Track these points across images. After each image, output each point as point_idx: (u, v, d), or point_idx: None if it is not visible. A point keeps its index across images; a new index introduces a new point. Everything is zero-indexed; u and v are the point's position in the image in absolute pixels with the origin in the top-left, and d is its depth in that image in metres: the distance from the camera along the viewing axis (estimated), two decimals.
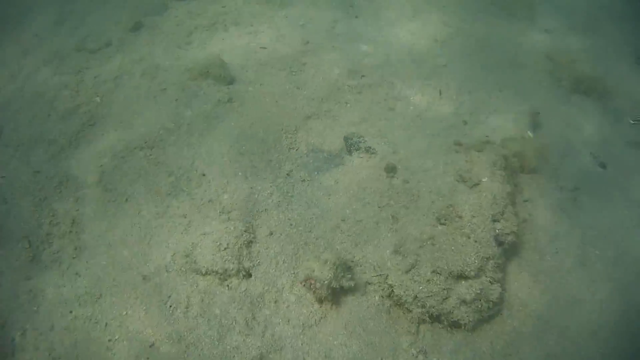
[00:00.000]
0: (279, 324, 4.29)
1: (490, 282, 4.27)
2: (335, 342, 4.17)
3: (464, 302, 4.16)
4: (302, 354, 4.16)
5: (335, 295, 4.25)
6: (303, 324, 4.29)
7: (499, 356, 4.24)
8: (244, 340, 4.22)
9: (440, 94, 6.29)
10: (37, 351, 4.25)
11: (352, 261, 4.58)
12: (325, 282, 4.10)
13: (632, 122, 6.24)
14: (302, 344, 4.18)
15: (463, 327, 4.23)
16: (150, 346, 4.22)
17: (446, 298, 4.16)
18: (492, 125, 5.89)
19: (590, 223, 5.24)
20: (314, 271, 4.18)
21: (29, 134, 5.98)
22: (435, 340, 4.24)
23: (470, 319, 4.18)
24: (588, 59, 7.29)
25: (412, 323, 4.24)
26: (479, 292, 4.16)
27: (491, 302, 4.26)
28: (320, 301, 4.26)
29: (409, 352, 4.12)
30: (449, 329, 4.27)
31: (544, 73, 6.94)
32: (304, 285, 4.25)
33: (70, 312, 4.45)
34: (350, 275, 4.21)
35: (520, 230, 4.81)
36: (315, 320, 4.30)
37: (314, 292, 4.20)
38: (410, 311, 4.22)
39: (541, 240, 5.00)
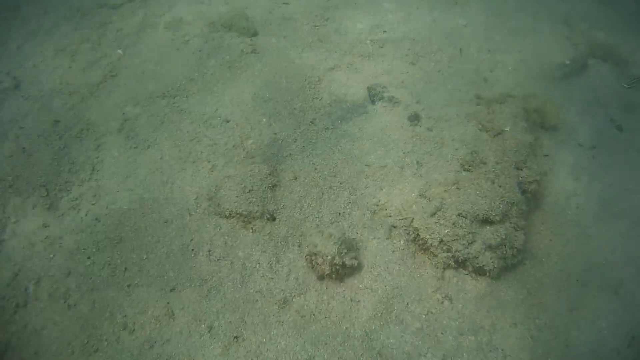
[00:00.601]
0: (303, 267, 4.10)
1: (514, 228, 4.08)
2: (360, 286, 4.00)
3: (489, 247, 3.97)
4: (326, 298, 3.97)
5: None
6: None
7: (523, 306, 4.06)
8: (267, 283, 4.04)
9: (460, 52, 6.03)
10: (52, 299, 4.06)
11: (377, 205, 4.35)
12: (328, 257, 3.81)
13: (626, 86, 5.95)
14: (327, 288, 3.99)
15: (488, 274, 4.04)
16: (171, 290, 4.01)
17: (471, 242, 3.95)
18: (512, 83, 5.63)
19: (608, 181, 5.04)
20: (316, 246, 3.90)
21: (49, 86, 5.68)
22: (460, 287, 4.05)
23: (495, 266, 4.00)
24: (604, 27, 6.97)
25: (437, 268, 4.04)
26: (503, 237, 3.97)
27: (515, 250, 4.07)
28: (322, 277, 3.94)
29: (434, 297, 3.95)
30: (473, 275, 4.07)
31: (562, 37, 6.62)
32: (307, 261, 4.00)
33: (88, 258, 4.21)
34: (354, 254, 3.89)
35: (542, 182, 4.60)
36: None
37: (315, 268, 3.93)
38: (436, 255, 4.03)
39: (561, 194, 4.81)
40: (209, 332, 3.83)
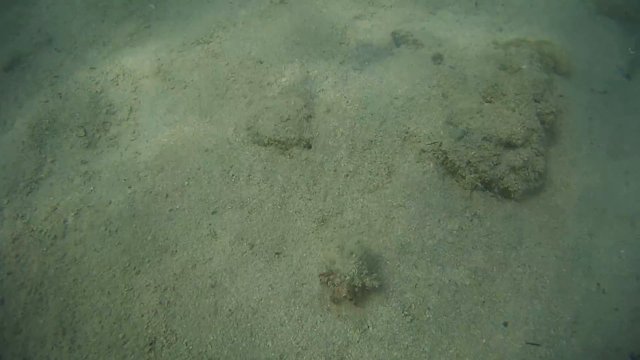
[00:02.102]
0: (339, 189, 4.13)
1: (535, 153, 4.14)
2: (394, 204, 4.03)
3: (513, 169, 4.04)
4: (362, 216, 3.99)
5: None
6: (362, 189, 4.14)
7: (546, 229, 4.12)
8: (305, 204, 4.07)
9: (476, 5, 6.01)
10: (93, 228, 4.03)
11: (407, 132, 4.31)
12: (347, 277, 3.33)
13: (632, 52, 5.97)
14: (362, 207, 4.03)
15: (512, 196, 4.10)
16: (212, 213, 4.05)
17: (497, 164, 4.03)
18: (525, 32, 5.54)
19: (620, 122, 5.09)
20: (334, 263, 3.47)
21: (82, 39, 5.67)
22: (487, 207, 4.10)
23: (519, 187, 4.06)
24: None
25: (465, 189, 4.09)
26: (526, 159, 4.04)
27: (537, 173, 4.14)
28: (337, 301, 3.50)
29: (463, 215, 4.00)
30: (499, 197, 4.13)
31: None
32: (322, 279, 3.53)
33: (129, 187, 4.23)
34: (375, 274, 3.40)
35: (558, 119, 4.61)
36: (374, 186, 4.15)
37: (332, 288, 3.45)
38: (464, 177, 4.08)
39: (577, 131, 4.83)
40: (250, 249, 3.87)
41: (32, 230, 4.19)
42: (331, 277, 3.44)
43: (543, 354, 3.60)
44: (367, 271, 3.38)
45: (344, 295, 3.40)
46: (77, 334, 3.76)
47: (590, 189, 4.46)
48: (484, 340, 3.70)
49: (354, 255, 3.35)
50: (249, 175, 4.18)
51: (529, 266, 3.91)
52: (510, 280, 3.86)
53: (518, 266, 3.89)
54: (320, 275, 3.52)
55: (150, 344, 3.65)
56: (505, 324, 3.77)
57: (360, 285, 3.35)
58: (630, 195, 4.52)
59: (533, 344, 3.79)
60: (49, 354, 3.69)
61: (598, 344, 3.70)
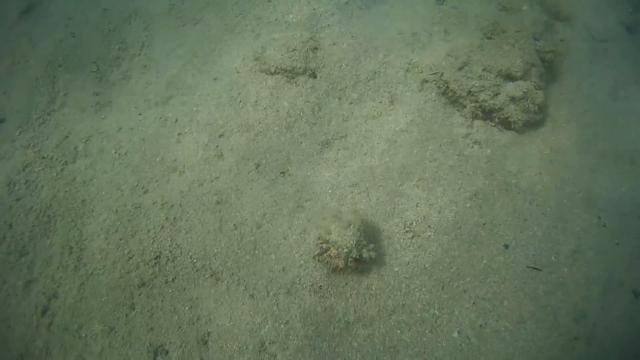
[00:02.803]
0: (344, 115, 4.08)
1: (535, 87, 4.08)
2: (397, 129, 3.97)
3: (512, 99, 3.97)
4: (365, 139, 3.96)
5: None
6: (366, 116, 4.10)
7: (547, 161, 4.03)
8: (310, 128, 4.03)
9: None
10: (102, 152, 4.07)
11: (409, 64, 4.26)
12: (345, 250, 3.13)
13: (630, 10, 5.87)
14: (365, 131, 3.98)
15: (512, 127, 4.04)
16: (220, 136, 4.02)
17: (497, 94, 3.97)
18: None
19: (620, 69, 4.96)
20: (330, 233, 3.24)
21: None
22: (488, 136, 4.02)
23: (519, 118, 3.98)
24: None
25: (466, 118, 4.03)
26: (525, 91, 3.98)
27: (537, 106, 4.05)
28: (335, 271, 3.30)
29: (464, 142, 3.94)
30: (500, 127, 4.06)
31: None
32: (318, 253, 3.29)
33: (139, 114, 4.24)
34: (373, 245, 3.25)
35: (558, 59, 4.49)
36: (377, 112, 4.11)
37: (327, 261, 3.26)
38: (465, 106, 4.03)
39: (577, 73, 4.71)
40: (256, 169, 3.84)
41: (43, 157, 4.17)
42: (327, 249, 3.22)
43: (544, 279, 3.50)
44: (364, 242, 3.23)
45: (341, 267, 3.19)
46: (83, 252, 3.72)
47: (591, 127, 4.36)
48: (484, 261, 3.62)
49: (351, 227, 3.19)
50: (256, 101, 4.13)
51: (530, 193, 3.82)
52: (511, 206, 3.75)
53: (518, 192, 3.80)
54: (318, 244, 3.28)
55: (156, 258, 3.60)
56: (506, 247, 3.66)
57: (357, 257, 3.16)
58: (630, 135, 4.42)
59: (534, 268, 3.68)
60: (54, 273, 3.65)
61: (600, 276, 3.59)
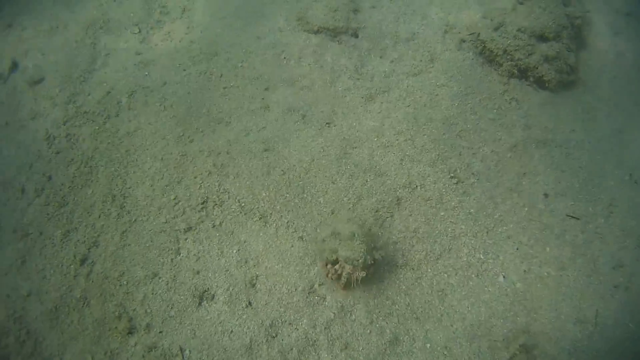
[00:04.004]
0: (385, 72, 3.92)
1: (567, 48, 3.93)
2: (437, 84, 3.82)
3: (546, 58, 3.83)
4: (408, 94, 3.83)
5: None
6: (407, 73, 3.96)
7: (579, 120, 3.87)
8: (354, 83, 3.88)
9: None
10: (147, 105, 3.93)
11: (447, 25, 4.14)
12: (360, 261, 2.84)
13: None
14: (407, 86, 3.81)
15: (547, 86, 3.88)
16: (265, 89, 3.89)
17: (531, 54, 3.84)
18: None
19: None
20: (336, 252, 2.93)
21: None
22: (524, 94, 3.86)
23: (553, 77, 3.82)
24: None
25: (503, 76, 3.89)
26: (558, 51, 3.85)
27: (569, 66, 3.90)
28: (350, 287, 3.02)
29: (502, 98, 3.78)
30: (534, 86, 3.91)
31: None
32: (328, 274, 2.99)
33: (184, 70, 4.09)
34: (380, 249, 2.99)
35: (585, 27, 4.39)
36: (418, 70, 3.98)
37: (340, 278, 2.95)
38: (501, 65, 3.88)
39: (603, 42, 4.45)
40: (302, 119, 3.69)
41: (85, 112, 3.99)
42: (342, 268, 2.92)
43: (582, 229, 3.34)
44: (374, 245, 2.99)
45: (363, 277, 2.88)
46: (126, 199, 3.52)
47: (619, 92, 4.18)
48: (526, 209, 3.42)
49: (356, 236, 2.91)
50: (300, 58, 4.01)
51: (565, 148, 3.65)
52: (549, 158, 3.59)
53: (555, 147, 3.63)
54: (330, 270, 2.95)
55: (203, 203, 3.40)
56: (546, 195, 3.48)
57: (372, 262, 2.91)
58: None
59: (573, 217, 3.55)
60: (95, 222, 3.47)
61: (635, 228, 3.42)
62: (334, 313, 3.08)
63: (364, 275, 2.86)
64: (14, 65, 4.59)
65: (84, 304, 3.37)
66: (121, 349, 3.20)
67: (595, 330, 3.11)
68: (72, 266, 3.49)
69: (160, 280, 3.28)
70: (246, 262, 3.25)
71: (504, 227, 3.38)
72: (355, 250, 2.84)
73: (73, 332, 3.33)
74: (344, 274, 2.88)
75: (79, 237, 3.56)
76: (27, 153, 4.03)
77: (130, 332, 3.22)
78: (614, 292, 3.30)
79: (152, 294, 3.26)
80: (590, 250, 3.39)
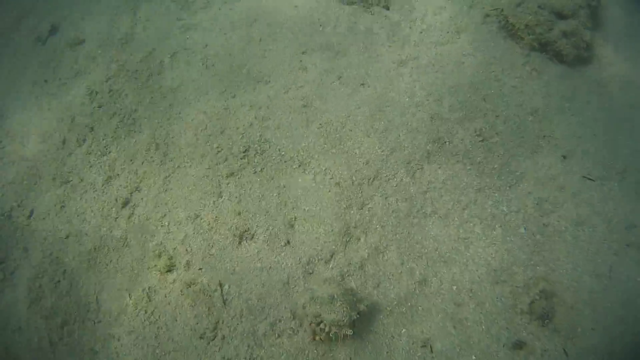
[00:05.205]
0: (415, 41, 3.93)
1: (583, 26, 3.95)
2: (463, 53, 3.82)
3: (564, 34, 3.84)
4: (436, 61, 3.87)
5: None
6: (435, 42, 4.00)
7: (594, 93, 3.86)
8: (386, 50, 3.89)
9: None
10: (190, 65, 3.99)
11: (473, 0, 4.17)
12: (345, 320, 2.75)
13: None
14: (435, 54, 3.83)
15: (565, 60, 3.88)
16: (302, 53, 3.96)
17: (551, 29, 3.86)
18: None
19: None
20: (319, 315, 2.81)
21: None
22: (544, 66, 3.85)
23: (571, 51, 3.82)
24: None
25: (524, 49, 3.88)
26: (575, 28, 3.87)
27: (585, 43, 3.89)
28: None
29: (524, 68, 3.77)
30: (554, 60, 3.90)
31: None
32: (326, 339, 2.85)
33: (225, 34, 4.15)
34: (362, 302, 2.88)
35: (600, 8, 4.38)
36: (445, 40, 4.02)
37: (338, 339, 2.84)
38: (523, 38, 3.87)
39: (618, 24, 4.44)
40: (338, 80, 3.70)
41: (127, 70, 4.01)
42: (329, 330, 2.81)
43: (598, 189, 3.34)
44: (355, 299, 2.86)
45: (350, 334, 2.79)
46: (169, 147, 3.53)
47: (632, 71, 4.15)
48: (546, 168, 3.39)
49: (335, 297, 2.81)
50: (335, 26, 4.02)
51: (581, 117, 3.64)
52: (566, 124, 3.56)
53: (572, 115, 3.61)
54: (318, 333, 2.83)
55: (244, 151, 3.40)
56: (564, 157, 3.45)
57: (357, 316, 2.80)
58: None
59: (589, 178, 3.51)
60: (138, 168, 3.49)
61: None
62: (367, 253, 3.19)
63: (351, 333, 2.77)
64: (54, 29, 4.65)
65: (123, 244, 3.39)
66: (159, 285, 3.24)
67: (610, 284, 3.17)
68: (113, 209, 3.51)
69: (201, 221, 3.27)
70: (285, 205, 3.28)
71: (525, 184, 3.43)
72: (337, 312, 2.76)
73: (111, 271, 3.35)
74: (330, 333, 2.80)
75: (121, 183, 3.58)
76: (68, 107, 4.03)
77: (170, 270, 3.24)
78: (626, 250, 3.37)
79: (194, 233, 3.27)
80: (605, 210, 3.40)
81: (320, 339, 2.86)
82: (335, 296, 2.77)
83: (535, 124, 3.57)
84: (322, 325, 2.81)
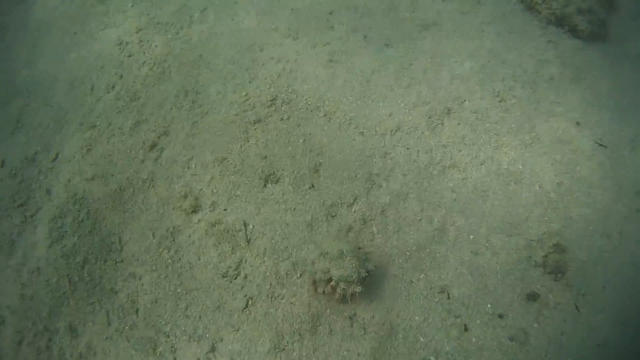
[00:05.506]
0: (438, 9, 4.00)
1: (598, 4, 4.04)
2: (484, 22, 3.89)
3: (580, 11, 3.93)
4: (457, 27, 3.94)
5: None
6: (456, 10, 4.07)
7: (607, 67, 3.91)
8: (410, 14, 3.95)
9: None
10: (219, 19, 4.04)
11: None
12: (354, 275, 2.73)
13: None
14: (457, 21, 3.91)
15: (580, 35, 3.96)
16: (329, 13, 4.00)
17: (567, 5, 3.95)
18: None
19: None
20: (328, 271, 2.78)
21: None
22: (560, 39, 3.92)
23: (585, 28, 3.88)
24: None
25: (541, 22, 3.96)
26: (590, 5, 3.95)
27: (600, 20, 3.98)
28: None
29: (540, 39, 3.84)
30: (569, 34, 3.98)
31: None
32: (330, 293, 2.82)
33: None
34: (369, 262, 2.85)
35: None
36: (466, 9, 4.08)
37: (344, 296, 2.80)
38: (540, 12, 3.95)
39: (630, 9, 4.46)
40: (364, 39, 3.76)
41: (158, 23, 4.06)
42: (337, 285, 2.79)
43: (609, 155, 3.41)
44: (365, 257, 2.86)
45: (358, 291, 2.77)
46: (198, 95, 3.57)
47: None
48: (560, 132, 3.45)
49: (344, 253, 2.78)
50: None
51: (594, 88, 3.70)
52: (580, 95, 3.61)
53: (585, 88, 3.67)
54: (327, 288, 2.81)
55: (272, 100, 3.44)
56: (578, 123, 3.63)
57: (366, 275, 2.78)
58: None
59: (601, 144, 3.75)
60: (167, 114, 3.53)
61: None
62: (389, 199, 3.24)
63: (360, 290, 2.74)
64: None
65: (149, 185, 3.43)
66: (184, 225, 3.28)
67: (620, 245, 3.26)
68: (140, 151, 3.54)
69: (228, 164, 3.30)
70: (310, 151, 3.30)
71: (540, 145, 3.48)
72: (347, 268, 2.73)
73: (136, 211, 3.38)
74: (338, 290, 2.77)
75: (149, 127, 3.61)
76: (97, 56, 4.02)
77: (195, 210, 3.27)
78: (635, 215, 3.45)
79: (220, 175, 3.29)
80: (616, 175, 3.50)
81: (325, 291, 2.85)
82: (345, 252, 2.78)
83: (551, 91, 3.65)
84: (332, 283, 2.81)
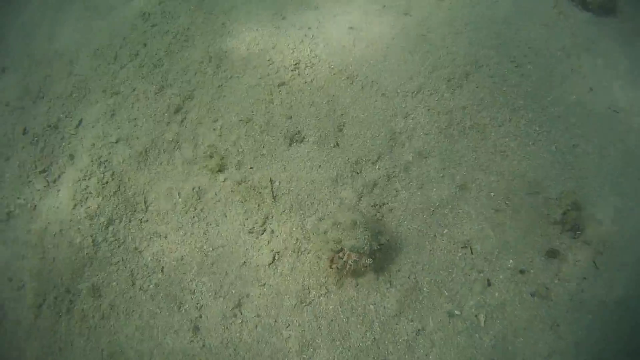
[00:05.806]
0: None
1: None
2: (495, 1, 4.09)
3: None
4: (472, 2, 3.91)
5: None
6: None
7: (616, 41, 3.94)
8: None
9: None
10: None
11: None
12: (366, 247, 2.68)
13: None
14: None
15: (590, 7, 4.01)
16: None
17: None
18: None
19: None
20: (340, 242, 2.73)
21: None
22: (571, 11, 3.96)
23: (595, 0, 4.25)
24: None
25: None
26: None
27: None
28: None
29: (553, 11, 3.89)
30: (580, 7, 4.04)
31: None
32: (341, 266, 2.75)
33: None
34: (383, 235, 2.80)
35: None
36: None
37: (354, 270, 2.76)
38: None
39: None
40: (383, 8, 3.79)
41: None
42: (349, 257, 2.75)
43: (622, 121, 3.45)
44: (378, 229, 2.80)
45: (369, 263, 2.73)
46: (222, 60, 3.60)
47: None
48: (573, 97, 3.50)
49: (358, 223, 2.73)
50: None
51: (606, 58, 3.75)
52: (592, 62, 3.65)
53: (597, 54, 3.71)
54: (336, 259, 2.77)
55: (295, 64, 3.47)
56: (591, 89, 3.81)
57: (378, 247, 2.73)
58: None
59: (614, 110, 3.95)
60: (191, 78, 3.57)
61: None
62: (412, 157, 3.29)
63: (371, 262, 2.68)
64: None
65: (175, 146, 3.44)
66: (210, 184, 3.30)
67: (636, 209, 3.32)
68: (165, 114, 3.55)
69: (254, 125, 3.32)
70: (334, 111, 3.30)
71: (555, 108, 3.53)
72: (359, 238, 2.66)
73: (161, 172, 3.39)
74: (349, 261, 2.71)
75: (174, 91, 3.63)
76: (121, 27, 4.04)
77: (221, 170, 3.29)
78: None
79: (245, 135, 3.32)
80: (628, 139, 3.59)
81: (337, 267, 2.76)
82: (358, 222, 2.75)
83: (564, 58, 3.70)
84: (340, 254, 2.77)
